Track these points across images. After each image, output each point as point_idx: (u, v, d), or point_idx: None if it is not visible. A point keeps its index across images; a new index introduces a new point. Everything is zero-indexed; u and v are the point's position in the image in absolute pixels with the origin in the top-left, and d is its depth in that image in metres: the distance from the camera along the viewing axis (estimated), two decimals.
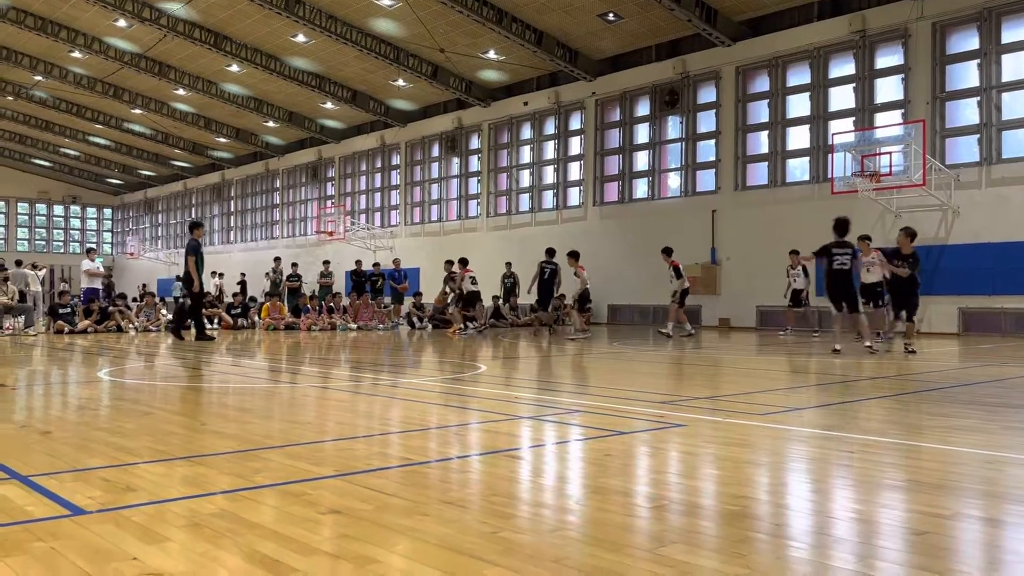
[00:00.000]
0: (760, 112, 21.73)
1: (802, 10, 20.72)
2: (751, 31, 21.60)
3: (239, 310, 20.96)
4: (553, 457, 4.24)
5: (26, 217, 47.84)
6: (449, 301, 19.95)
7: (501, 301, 23.65)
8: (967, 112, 18.42)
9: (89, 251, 20.95)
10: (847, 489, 3.43)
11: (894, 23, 19.08)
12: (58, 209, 48.90)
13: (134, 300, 24.25)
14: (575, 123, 26.01)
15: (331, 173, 35.13)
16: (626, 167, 24.57)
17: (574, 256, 16.60)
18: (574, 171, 26.06)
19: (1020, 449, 4.41)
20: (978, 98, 17.99)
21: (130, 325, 18.66)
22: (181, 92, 30.92)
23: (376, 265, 25.19)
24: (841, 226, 11.71)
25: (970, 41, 18.26)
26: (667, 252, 16.98)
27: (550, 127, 26.71)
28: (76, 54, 28.17)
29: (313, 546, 2.52)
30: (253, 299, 23.21)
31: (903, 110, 18.95)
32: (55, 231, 49.13)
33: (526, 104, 26.93)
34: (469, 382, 8.01)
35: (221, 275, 30.39)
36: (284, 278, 24.39)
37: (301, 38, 25.28)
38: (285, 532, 2.65)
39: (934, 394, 6.95)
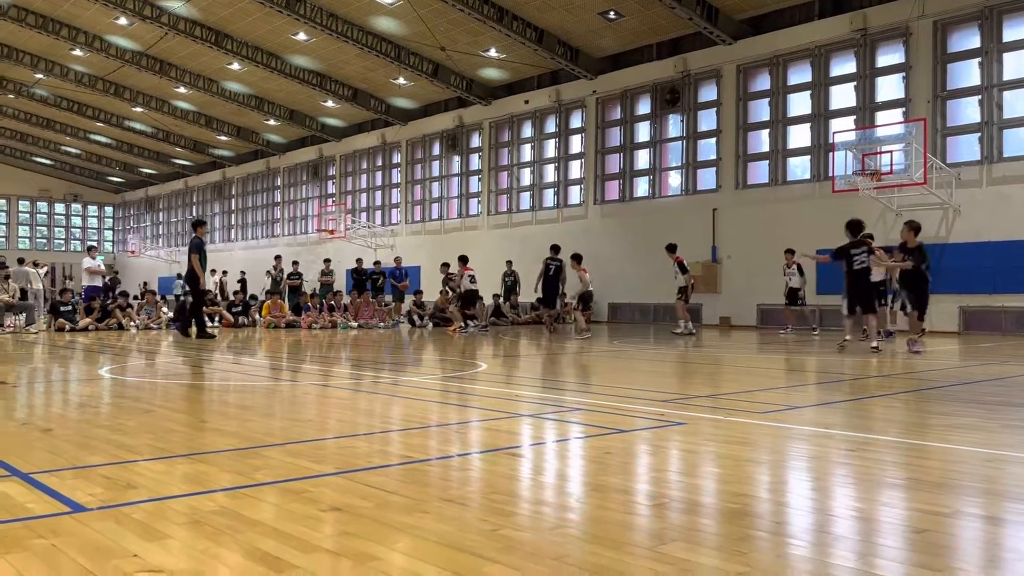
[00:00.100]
0: (761, 110, 21.72)
1: (803, 8, 20.69)
2: (752, 29, 21.58)
3: (240, 308, 20.97)
4: (553, 455, 4.24)
5: (27, 215, 47.85)
6: (449, 299, 19.97)
7: (502, 299, 23.65)
8: (968, 111, 18.40)
9: (90, 249, 20.97)
10: (847, 487, 3.43)
11: (895, 21, 19.06)
12: (59, 207, 48.91)
13: (135, 298, 24.27)
14: (576, 121, 25.99)
15: (332, 171, 35.13)
16: (627, 165, 24.55)
17: (576, 259, 16.58)
18: (575, 169, 26.05)
19: (1020, 447, 4.41)
20: (979, 96, 17.97)
21: (131, 323, 18.67)
22: (182, 90, 30.93)
23: (377, 263, 25.19)
24: (855, 227, 11.82)
25: (971, 39, 18.24)
26: (671, 248, 16.98)
27: (551, 125, 26.69)
28: (77, 52, 28.17)
29: (314, 543, 2.52)
30: (254, 297, 23.22)
31: (904, 108, 18.93)
32: (56, 229, 49.14)
33: (527, 102, 26.92)
34: (469, 380, 8.01)
35: (225, 272, 30.40)
36: (285, 276, 24.38)
37: (302, 36, 25.28)
38: (285, 529, 2.66)
39: (935, 392, 6.95)
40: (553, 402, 6.35)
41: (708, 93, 22.75)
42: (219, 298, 24.33)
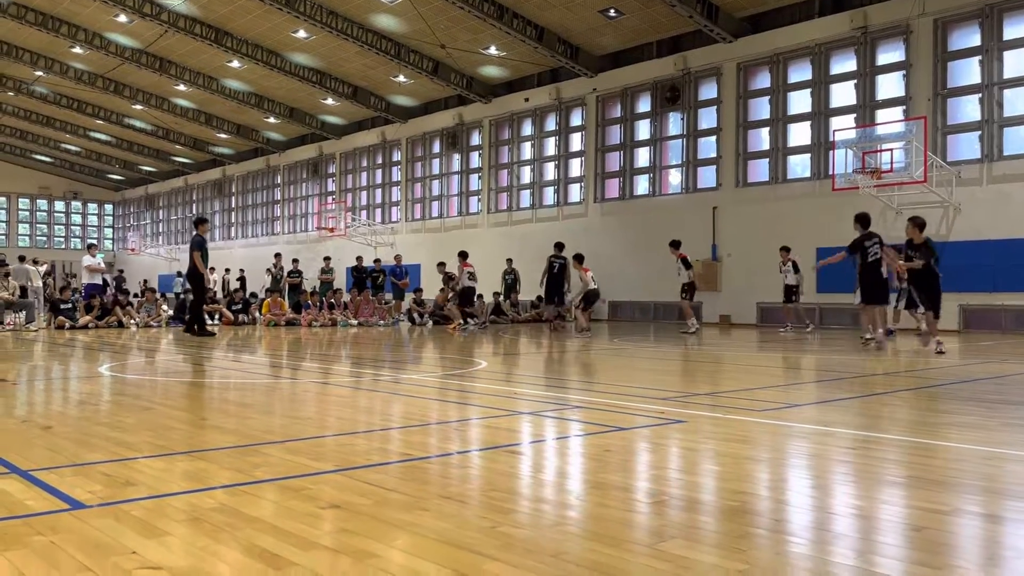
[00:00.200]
0: (761, 108, 21.70)
1: (803, 6, 20.68)
2: (752, 27, 21.56)
3: (240, 306, 20.97)
4: (553, 453, 4.24)
5: (27, 213, 47.84)
6: (448, 297, 19.96)
7: (502, 297, 23.66)
8: (968, 109, 18.39)
9: (90, 247, 20.96)
10: (846, 485, 3.43)
11: (895, 19, 19.04)
12: (59, 205, 48.90)
13: (135, 296, 24.27)
14: (576, 119, 25.98)
15: (332, 169, 35.11)
16: (627, 163, 24.54)
17: (578, 259, 16.45)
18: (575, 167, 26.04)
19: (1019, 446, 4.41)
20: (979, 95, 17.96)
21: (131, 321, 18.67)
22: (182, 88, 30.91)
23: (377, 261, 25.19)
24: (865, 220, 11.84)
25: (972, 37, 18.23)
26: (675, 245, 16.93)
27: (551, 123, 26.68)
28: (77, 50, 28.15)
29: (312, 540, 2.52)
30: (254, 295, 23.21)
31: (904, 107, 18.92)
32: (56, 227, 49.14)
33: (527, 100, 26.90)
34: (469, 378, 8.01)
35: (227, 270, 30.36)
36: (285, 274, 24.38)
37: (302, 34, 25.26)
38: (284, 526, 2.66)
39: (934, 390, 6.96)
40: (553, 400, 6.34)
41: (708, 91, 22.74)
42: (220, 295, 24.32)
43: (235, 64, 28.17)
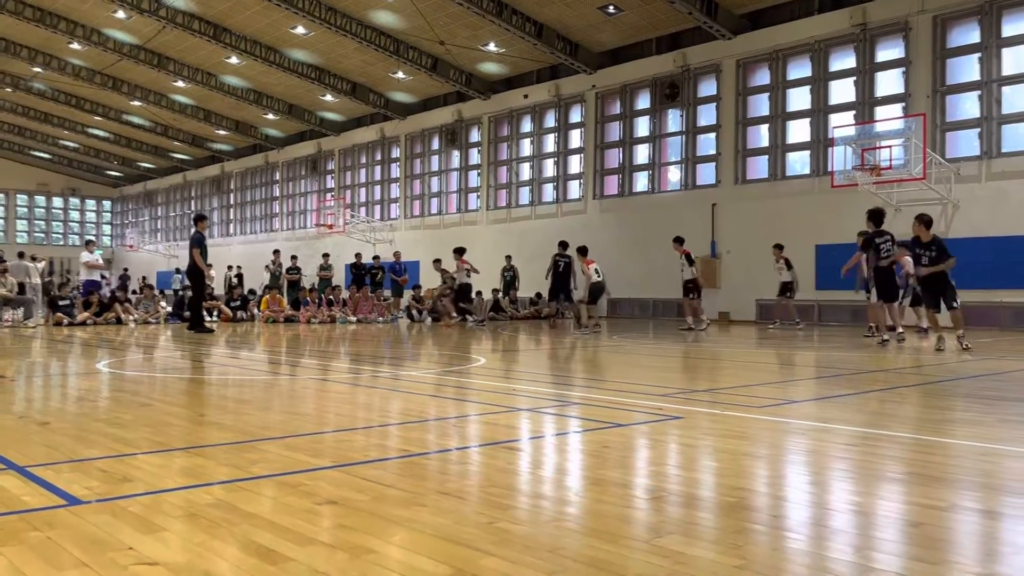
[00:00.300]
0: (760, 105, 21.70)
1: (803, 3, 20.67)
2: (751, 24, 21.55)
3: (238, 302, 20.96)
4: (551, 449, 4.24)
5: (25, 209, 47.79)
6: (443, 293, 19.93)
7: (501, 294, 23.67)
8: (967, 106, 18.39)
9: (88, 243, 20.96)
10: (844, 481, 3.44)
11: (895, 16, 19.03)
12: (57, 201, 48.86)
13: (133, 292, 24.27)
14: (575, 116, 25.96)
15: (331, 166, 35.08)
16: (626, 160, 24.53)
17: (582, 252, 16.17)
18: (574, 164, 26.02)
19: (1016, 442, 4.41)
20: (979, 92, 17.96)
21: (129, 317, 18.66)
22: (180, 84, 30.87)
23: (376, 258, 25.18)
24: (878, 216, 11.81)
25: (971, 35, 18.23)
26: (678, 241, 16.84)
27: (550, 120, 26.66)
28: (75, 45, 28.10)
29: (310, 536, 2.52)
30: (252, 292, 23.21)
31: (903, 104, 18.92)
32: (54, 223, 49.09)
33: (526, 97, 26.88)
34: (468, 374, 8.01)
35: (229, 267, 30.30)
36: (283, 271, 24.38)
37: (300, 30, 25.22)
38: (282, 522, 2.65)
39: (932, 387, 6.96)
40: (551, 396, 6.34)
41: (707, 88, 22.73)
42: (222, 292, 24.32)
43: (234, 60, 28.13)
